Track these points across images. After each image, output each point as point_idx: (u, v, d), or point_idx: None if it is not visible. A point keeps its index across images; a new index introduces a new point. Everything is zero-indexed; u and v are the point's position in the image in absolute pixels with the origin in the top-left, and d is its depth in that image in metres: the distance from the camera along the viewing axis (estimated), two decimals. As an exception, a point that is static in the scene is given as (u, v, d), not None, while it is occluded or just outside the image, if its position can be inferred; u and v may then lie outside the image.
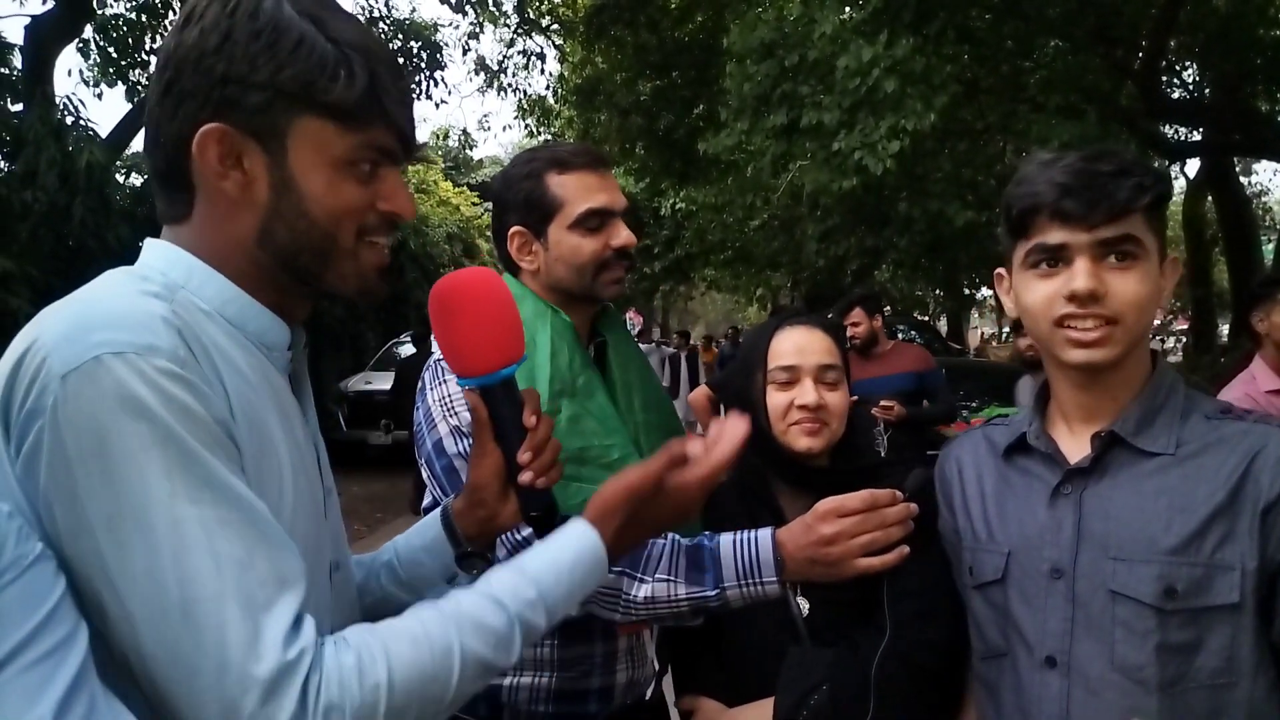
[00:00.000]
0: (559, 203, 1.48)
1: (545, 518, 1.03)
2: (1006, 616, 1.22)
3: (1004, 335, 26.12)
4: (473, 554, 1.08)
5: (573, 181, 1.49)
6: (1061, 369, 1.21)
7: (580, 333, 1.52)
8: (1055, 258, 1.14)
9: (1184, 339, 15.81)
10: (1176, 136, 12.58)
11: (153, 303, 0.79)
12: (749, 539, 1.28)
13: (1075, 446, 1.21)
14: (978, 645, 1.28)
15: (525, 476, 1.01)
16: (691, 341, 13.91)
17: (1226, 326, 13.85)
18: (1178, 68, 11.39)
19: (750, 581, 1.27)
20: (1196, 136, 12.12)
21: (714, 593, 1.27)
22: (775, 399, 1.46)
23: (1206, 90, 11.23)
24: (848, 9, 7.83)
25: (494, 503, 1.06)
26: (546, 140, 12.68)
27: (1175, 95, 11.27)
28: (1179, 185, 17.19)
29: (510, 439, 1.02)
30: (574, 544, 0.94)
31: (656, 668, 1.51)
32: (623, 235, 1.50)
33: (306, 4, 0.86)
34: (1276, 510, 1.06)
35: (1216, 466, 1.11)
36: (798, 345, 1.47)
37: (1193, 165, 15.38)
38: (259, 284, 0.89)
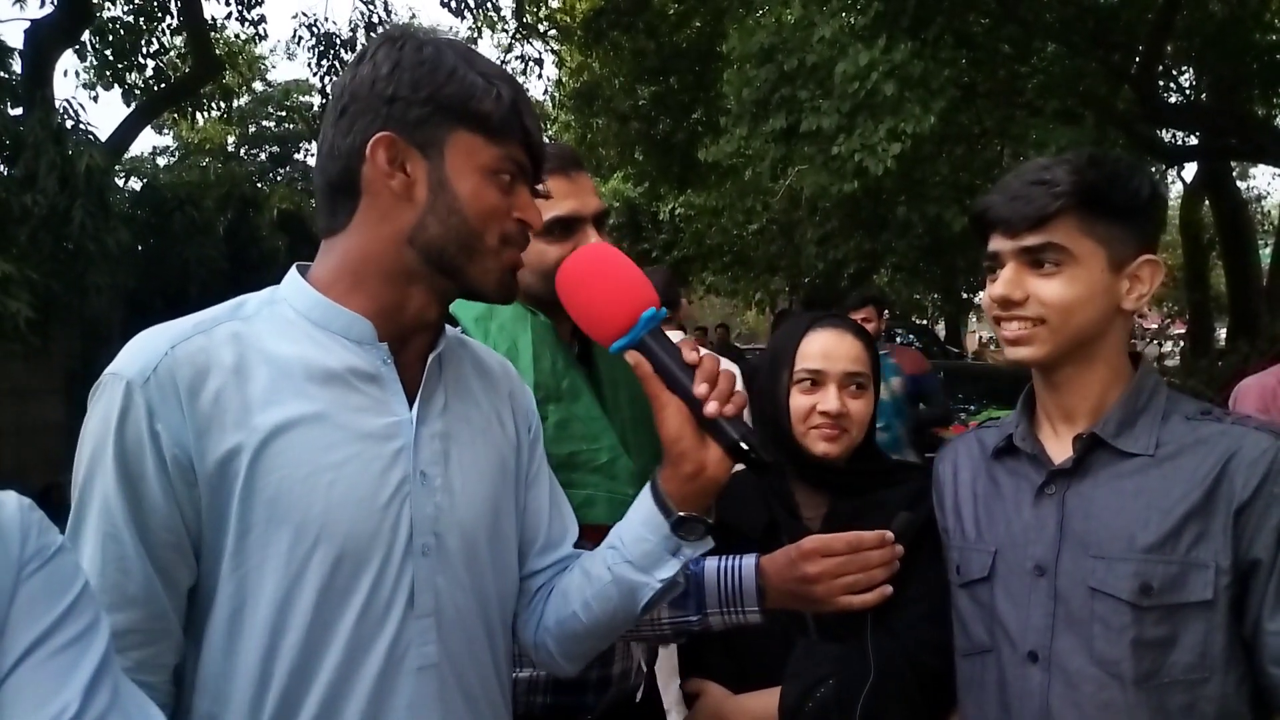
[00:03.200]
0: None
1: (751, 447, 1.01)
2: (992, 614, 1.24)
3: (1002, 339, 26.01)
4: (687, 518, 1.04)
5: None
6: (1032, 370, 1.25)
7: (562, 331, 1.50)
8: (993, 264, 1.21)
9: (1181, 343, 15.80)
10: (1174, 141, 12.61)
11: (169, 331, 0.95)
12: (733, 567, 1.29)
13: (1060, 448, 1.23)
14: (962, 642, 1.30)
15: (710, 408, 0.99)
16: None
17: (1224, 330, 13.86)
18: (1174, 72, 11.40)
19: (732, 609, 1.27)
20: (1194, 141, 12.15)
21: (696, 618, 1.28)
22: (798, 401, 1.44)
23: (1203, 95, 11.26)
24: (846, 14, 7.84)
25: (694, 452, 1.02)
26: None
27: (1172, 100, 11.27)
28: (1176, 190, 17.22)
29: (680, 381, 1.01)
30: None
31: (645, 670, 1.52)
32: (592, 241, 1.44)
33: (458, 46, 1.02)
34: (1249, 510, 1.08)
35: (1193, 467, 1.13)
36: (825, 349, 1.45)
37: (1190, 170, 15.40)
38: (391, 280, 1.01)
